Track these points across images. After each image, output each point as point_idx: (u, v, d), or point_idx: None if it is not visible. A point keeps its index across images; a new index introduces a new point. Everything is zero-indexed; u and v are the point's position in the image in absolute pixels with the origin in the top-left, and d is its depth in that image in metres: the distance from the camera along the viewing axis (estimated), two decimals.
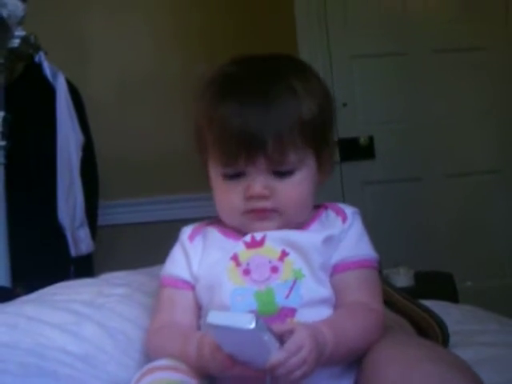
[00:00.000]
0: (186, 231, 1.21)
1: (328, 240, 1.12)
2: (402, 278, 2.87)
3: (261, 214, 1.11)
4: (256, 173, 1.09)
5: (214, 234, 1.18)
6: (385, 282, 1.46)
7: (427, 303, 1.50)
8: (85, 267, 2.99)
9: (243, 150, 1.06)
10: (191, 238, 1.19)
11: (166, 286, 1.19)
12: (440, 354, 1.06)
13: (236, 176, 1.10)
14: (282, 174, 1.10)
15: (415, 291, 2.78)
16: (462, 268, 3.63)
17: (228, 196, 1.12)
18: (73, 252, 2.90)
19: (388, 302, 1.34)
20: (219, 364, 0.96)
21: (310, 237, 1.12)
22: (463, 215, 3.86)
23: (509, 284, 3.83)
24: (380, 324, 1.09)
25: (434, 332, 1.37)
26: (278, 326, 0.95)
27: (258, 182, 1.09)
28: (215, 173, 1.14)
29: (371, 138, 3.82)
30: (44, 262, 2.76)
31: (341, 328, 1.03)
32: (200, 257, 1.15)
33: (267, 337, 0.90)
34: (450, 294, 2.89)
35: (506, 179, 3.90)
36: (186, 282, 1.16)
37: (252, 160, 1.07)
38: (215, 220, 1.21)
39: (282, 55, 1.22)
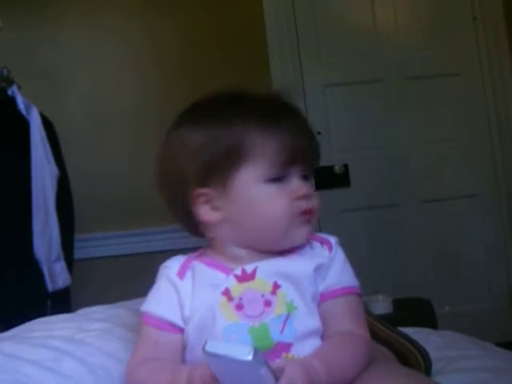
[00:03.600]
0: (174, 267, 1.16)
1: (318, 269, 1.12)
2: (381, 305, 2.87)
3: (309, 216, 1.14)
4: (297, 175, 1.13)
5: (202, 269, 1.14)
6: (365, 310, 1.46)
7: (408, 331, 1.50)
8: (62, 301, 2.95)
9: (298, 155, 1.13)
10: (181, 274, 1.15)
11: (150, 326, 1.14)
12: (423, 382, 1.06)
13: (278, 180, 1.12)
14: (308, 178, 1.16)
15: (394, 318, 2.78)
16: (440, 293, 3.66)
17: (275, 200, 1.12)
18: (49, 287, 2.86)
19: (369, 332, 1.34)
20: None
21: (302, 266, 1.12)
22: (440, 240, 3.88)
23: (487, 307, 3.85)
24: (367, 350, 1.09)
25: (415, 360, 1.37)
26: (271, 364, 0.93)
27: (303, 182, 1.14)
28: (254, 180, 1.12)
29: (346, 166, 3.83)
30: (20, 298, 2.72)
31: (332, 359, 1.02)
32: (191, 296, 1.11)
33: (264, 370, 0.89)
34: (429, 319, 2.90)
35: (481, 203, 3.94)
36: (174, 326, 1.12)
37: (297, 161, 1.13)
38: (200, 252, 1.19)
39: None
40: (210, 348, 0.89)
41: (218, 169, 1.11)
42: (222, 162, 1.11)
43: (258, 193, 1.12)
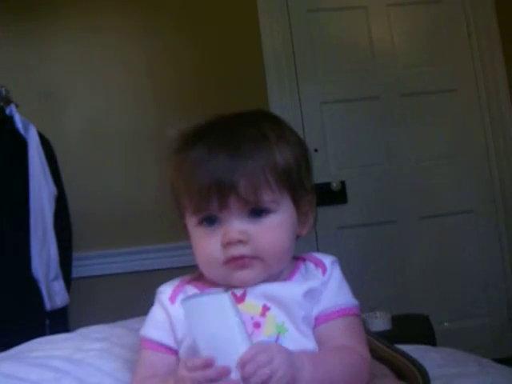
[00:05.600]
0: (166, 292, 1.17)
1: (309, 293, 1.11)
2: (380, 322, 2.87)
3: (240, 262, 1.08)
4: (231, 218, 1.07)
5: (194, 293, 1.15)
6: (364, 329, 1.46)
7: (407, 348, 1.50)
8: (60, 320, 2.95)
9: (214, 194, 1.05)
10: (172, 299, 1.16)
11: (147, 349, 1.16)
12: None
13: (211, 223, 1.08)
14: (257, 213, 1.08)
15: (393, 335, 2.78)
16: (438, 309, 3.66)
17: (206, 245, 1.09)
18: (48, 306, 2.85)
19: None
20: (195, 373, 0.96)
21: (291, 290, 1.11)
22: (438, 256, 3.87)
23: (485, 323, 3.85)
24: (365, 367, 1.09)
25: (414, 378, 1.36)
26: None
27: (234, 226, 1.07)
28: (191, 223, 1.12)
29: (343, 183, 3.84)
30: (19, 317, 2.72)
31: (321, 358, 1.03)
32: (183, 319, 1.10)
33: (239, 318, 0.95)
34: (428, 336, 2.89)
35: (478, 219, 3.94)
36: (168, 348, 1.13)
37: (225, 204, 1.05)
38: (194, 276, 1.19)
39: (256, 110, 1.21)
40: (186, 298, 0.98)
41: (178, 207, 1.15)
42: (176, 201, 1.14)
43: (193, 235, 1.13)
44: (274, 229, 1.09)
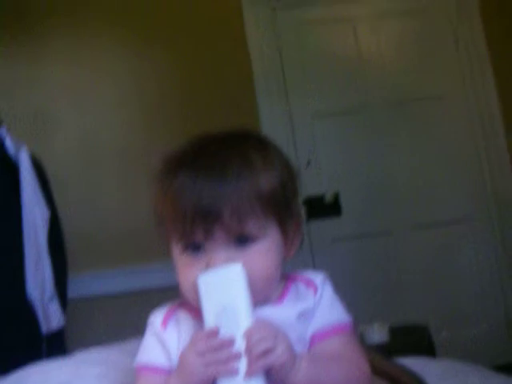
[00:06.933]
0: (158, 318, 1.15)
1: (302, 315, 1.09)
2: (377, 334, 2.86)
3: None
4: (216, 246, 1.05)
5: (186, 319, 1.13)
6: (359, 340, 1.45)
7: (407, 361, 1.49)
8: (57, 342, 2.93)
9: (199, 223, 1.03)
10: (164, 324, 1.14)
11: (144, 375, 1.14)
12: None
13: (196, 250, 1.07)
14: (243, 241, 1.06)
15: (391, 346, 2.77)
16: (436, 318, 3.65)
17: (189, 273, 1.07)
18: (44, 329, 2.83)
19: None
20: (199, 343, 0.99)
21: (284, 313, 1.09)
22: (433, 265, 3.88)
23: (482, 332, 3.85)
24: (365, 378, 1.08)
25: None
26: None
27: (219, 255, 1.05)
28: (175, 250, 1.10)
29: (336, 195, 3.84)
30: (14, 340, 2.69)
31: (319, 359, 1.04)
32: (176, 346, 1.10)
33: (249, 294, 1.01)
34: (427, 346, 2.88)
35: (473, 227, 3.95)
36: (166, 371, 1.11)
37: (210, 233, 1.04)
38: (184, 300, 1.15)
39: (241, 131, 1.19)
40: (202, 274, 1.02)
41: (162, 231, 1.12)
42: (160, 225, 1.12)
43: (177, 262, 1.11)
44: (260, 256, 1.07)
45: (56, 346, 2.85)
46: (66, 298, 3.14)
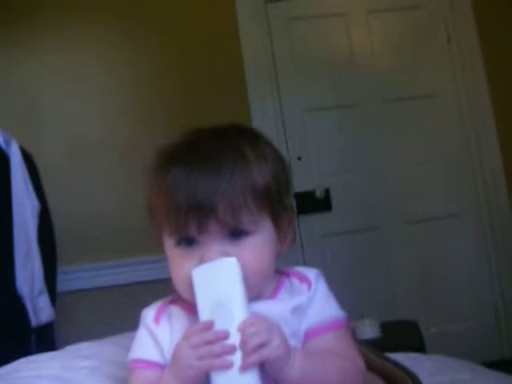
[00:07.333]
0: (150, 313, 1.15)
1: (296, 309, 1.09)
2: (369, 330, 2.86)
3: None
4: (210, 240, 1.05)
5: (178, 314, 1.13)
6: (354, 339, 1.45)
7: (397, 357, 1.49)
8: (46, 336, 2.92)
9: (193, 217, 1.03)
10: (156, 320, 1.14)
11: (138, 369, 1.13)
12: None
13: (190, 244, 1.06)
14: (236, 235, 1.05)
15: (382, 342, 2.78)
16: (425, 314, 3.66)
17: (183, 266, 1.06)
18: (33, 322, 2.82)
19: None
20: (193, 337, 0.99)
21: (278, 308, 1.09)
22: (424, 261, 3.89)
23: (473, 327, 3.87)
24: (361, 378, 1.08)
25: None
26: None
27: (213, 249, 1.05)
28: (168, 243, 1.10)
29: (327, 190, 3.84)
30: (4, 334, 2.68)
31: (313, 355, 1.04)
32: (169, 341, 1.10)
33: (244, 287, 1.00)
34: (417, 342, 2.89)
35: (463, 223, 3.96)
36: (159, 365, 1.11)
37: (204, 226, 1.03)
38: (177, 296, 1.15)
39: (233, 125, 1.18)
40: (197, 267, 1.02)
41: (155, 225, 1.12)
42: (154, 219, 1.12)
43: (170, 256, 1.10)
44: (253, 250, 1.07)
45: (45, 339, 2.84)
46: (56, 292, 3.13)
